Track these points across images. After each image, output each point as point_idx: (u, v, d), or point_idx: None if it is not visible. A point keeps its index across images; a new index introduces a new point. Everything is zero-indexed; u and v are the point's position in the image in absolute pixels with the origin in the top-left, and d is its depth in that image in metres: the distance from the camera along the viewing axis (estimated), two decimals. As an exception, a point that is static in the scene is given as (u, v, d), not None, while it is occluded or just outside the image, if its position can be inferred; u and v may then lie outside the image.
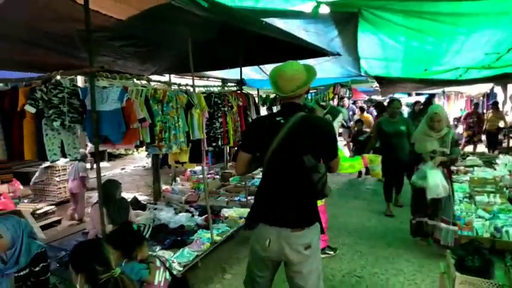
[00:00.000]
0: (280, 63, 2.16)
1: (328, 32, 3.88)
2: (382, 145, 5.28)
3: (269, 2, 3.16)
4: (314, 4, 2.92)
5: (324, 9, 2.99)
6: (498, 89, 12.57)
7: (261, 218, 2.15)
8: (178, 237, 3.94)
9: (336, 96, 10.43)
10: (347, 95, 10.98)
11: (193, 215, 4.76)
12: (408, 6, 2.88)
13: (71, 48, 3.64)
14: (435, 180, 3.59)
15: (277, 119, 2.11)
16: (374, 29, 3.36)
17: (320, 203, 3.61)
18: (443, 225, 3.78)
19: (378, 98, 18.21)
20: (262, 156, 2.13)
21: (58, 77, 2.71)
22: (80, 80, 5.68)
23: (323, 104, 4.88)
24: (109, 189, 3.62)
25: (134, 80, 3.20)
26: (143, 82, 3.36)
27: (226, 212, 4.87)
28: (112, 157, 11.92)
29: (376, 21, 3.16)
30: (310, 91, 11.33)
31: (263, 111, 12.55)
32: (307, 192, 2.09)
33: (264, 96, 12.02)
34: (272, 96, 12.54)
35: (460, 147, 7.91)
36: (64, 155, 2.82)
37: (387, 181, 5.43)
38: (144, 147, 3.31)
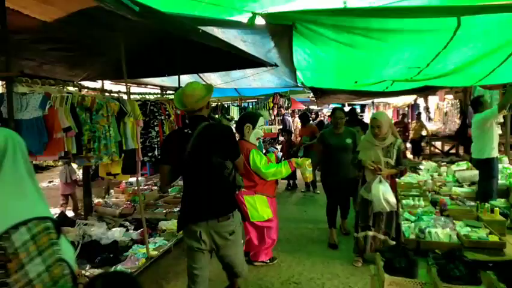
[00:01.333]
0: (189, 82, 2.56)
1: (265, 43, 3.94)
2: (324, 160, 4.58)
3: (207, 11, 3.14)
4: (250, 15, 2.95)
5: (260, 21, 3.04)
6: (421, 100, 13.76)
7: (189, 219, 2.49)
8: (110, 254, 3.71)
9: (276, 106, 10.71)
10: (286, 105, 11.31)
11: (127, 230, 4.51)
12: (340, 22, 3.03)
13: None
14: (380, 195, 3.45)
15: (185, 130, 2.52)
16: (307, 42, 3.48)
17: (268, 214, 3.64)
18: (382, 236, 3.73)
19: (316, 108, 19.03)
20: (180, 164, 2.49)
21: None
22: (-2, 85, 5.18)
23: (228, 117, 4.79)
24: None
25: (61, 86, 2.97)
26: (71, 89, 3.14)
27: (163, 225, 4.68)
28: (39, 169, 10.98)
29: (309, 35, 3.27)
30: (251, 100, 11.54)
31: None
32: (222, 186, 2.54)
33: (204, 105, 11.91)
34: (214, 104, 12.52)
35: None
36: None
37: (330, 204, 4.61)
38: (70, 159, 3.08)
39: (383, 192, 3.43)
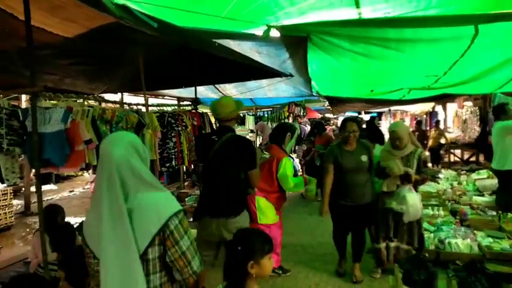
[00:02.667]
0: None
1: (280, 54, 3.98)
2: (334, 182, 3.72)
3: (223, 25, 3.20)
4: (265, 28, 2.99)
5: (275, 33, 3.08)
6: (439, 108, 13.54)
7: (204, 212, 2.89)
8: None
9: (291, 115, 10.74)
10: (301, 114, 11.32)
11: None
12: (355, 32, 3.04)
13: (14, 66, 3.45)
14: (415, 203, 3.36)
15: (212, 137, 2.98)
16: (322, 52, 3.49)
17: (274, 219, 3.65)
18: (405, 246, 3.62)
19: (332, 116, 18.93)
20: (203, 165, 3.03)
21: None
22: (24, 100, 5.37)
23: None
24: (52, 215, 3.40)
25: (81, 100, 3.07)
26: (91, 102, 3.24)
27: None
28: (60, 179, 11.26)
29: (324, 46, 3.28)
30: (267, 109, 11.60)
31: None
32: (234, 190, 2.87)
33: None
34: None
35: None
36: (1, 180, 2.62)
37: (338, 233, 3.95)
38: (91, 170, 3.16)
39: (418, 200, 3.41)
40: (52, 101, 2.74)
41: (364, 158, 3.62)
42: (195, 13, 2.82)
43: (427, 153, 10.96)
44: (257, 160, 3.04)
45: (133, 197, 1.42)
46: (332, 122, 18.77)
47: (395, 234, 3.64)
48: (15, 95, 3.09)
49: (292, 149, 10.85)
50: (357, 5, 2.61)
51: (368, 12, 2.77)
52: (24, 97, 5.39)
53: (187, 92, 6.89)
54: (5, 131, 2.48)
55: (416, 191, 3.56)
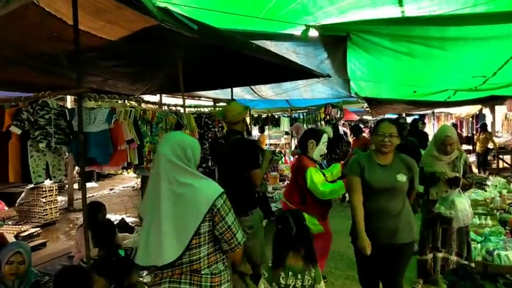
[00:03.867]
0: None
1: (318, 54, 3.92)
2: (366, 204, 2.69)
3: (260, 25, 3.20)
4: (304, 28, 2.95)
5: (314, 33, 3.03)
6: (486, 110, 12.81)
7: None
8: (165, 261, 3.84)
9: (328, 117, 10.55)
10: (338, 115, 11.10)
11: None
12: (397, 31, 2.93)
13: (60, 68, 3.62)
14: (465, 208, 3.22)
15: (220, 140, 3.28)
16: (362, 52, 3.40)
17: (318, 229, 3.46)
18: (455, 258, 3.41)
19: (370, 118, 18.46)
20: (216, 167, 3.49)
21: (46, 98, 2.68)
22: (69, 100, 5.65)
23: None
24: (94, 212, 3.53)
25: (123, 101, 3.17)
26: (133, 103, 3.34)
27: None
28: (101, 177, 11.76)
29: (365, 45, 3.19)
30: (302, 111, 11.48)
31: (255, 131, 12.68)
32: (240, 189, 2.96)
33: (255, 116, 12.11)
34: (264, 116, 12.65)
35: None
36: (49, 177, 2.76)
37: (364, 280, 2.93)
38: (132, 169, 3.26)
39: (468, 204, 3.24)
40: (97, 102, 2.85)
41: (402, 177, 2.61)
42: (234, 14, 2.84)
43: (473, 158, 10.41)
44: (264, 161, 3.24)
45: (181, 184, 1.76)
46: (370, 124, 18.30)
47: (442, 244, 3.43)
48: (62, 95, 3.25)
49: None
50: (401, 3, 2.51)
51: (411, 10, 2.66)
52: (69, 98, 5.67)
53: (223, 93, 6.97)
54: (54, 130, 2.62)
55: None
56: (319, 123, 10.68)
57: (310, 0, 2.61)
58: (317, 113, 10.64)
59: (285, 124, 12.57)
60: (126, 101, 3.27)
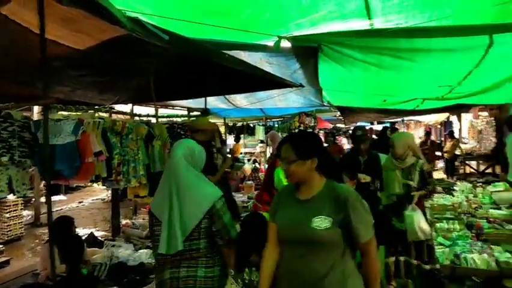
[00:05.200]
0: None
1: (290, 64, 3.96)
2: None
3: (234, 36, 3.20)
4: (276, 39, 2.98)
5: (286, 44, 3.06)
6: (454, 118, 13.33)
7: None
8: (136, 276, 3.72)
9: (302, 125, 10.68)
10: (312, 124, 11.25)
11: (154, 251, 4.54)
12: (366, 43, 3.01)
13: (26, 78, 3.49)
14: (414, 225, 3.30)
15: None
16: (333, 62, 3.47)
17: None
18: (415, 261, 3.48)
19: (343, 126, 18.81)
20: None
21: (9, 110, 2.56)
22: (36, 111, 5.44)
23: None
24: (61, 227, 3.39)
25: (92, 112, 3.08)
26: (102, 114, 3.25)
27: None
28: (70, 189, 11.35)
29: (335, 56, 3.26)
30: (277, 120, 11.57)
31: (230, 140, 12.63)
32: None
33: (230, 124, 12.09)
34: (239, 124, 12.65)
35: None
36: (12, 192, 2.63)
37: None
38: (100, 182, 3.16)
39: (417, 222, 3.28)
40: (64, 113, 2.75)
41: (322, 222, 1.71)
42: (207, 25, 2.83)
43: (441, 164, 10.78)
44: (222, 167, 3.55)
45: (188, 184, 2.13)
46: (342, 132, 18.66)
47: (403, 249, 3.53)
48: (27, 106, 3.12)
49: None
50: (369, 16, 2.58)
51: (379, 23, 2.73)
52: (36, 109, 5.46)
53: (197, 102, 6.92)
54: (17, 142, 2.50)
55: (423, 207, 3.54)
56: (293, 132, 10.78)
57: (282, 12, 2.64)
58: (292, 122, 10.77)
59: (260, 133, 12.63)
60: (95, 112, 3.16)
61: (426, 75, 3.93)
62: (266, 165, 10.72)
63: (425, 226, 3.34)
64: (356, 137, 4.21)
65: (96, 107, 4.08)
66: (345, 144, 16.11)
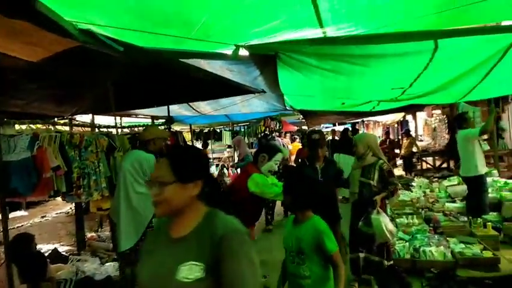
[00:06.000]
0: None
1: (250, 71, 4.03)
2: None
3: (192, 45, 3.22)
4: (234, 47, 3.04)
5: (244, 52, 3.12)
6: (409, 117, 13.97)
7: None
8: (103, 291, 3.64)
9: (268, 129, 10.81)
10: (278, 127, 11.42)
11: (121, 264, 4.43)
12: (321, 50, 3.13)
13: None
14: (383, 227, 3.37)
15: None
16: (291, 69, 3.57)
17: None
18: (376, 258, 3.60)
19: (307, 128, 19.16)
20: None
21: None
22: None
23: None
24: (20, 245, 3.25)
25: (48, 125, 3.00)
26: (59, 127, 3.17)
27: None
28: (32, 204, 10.78)
29: (293, 63, 3.36)
30: (243, 124, 11.64)
31: (198, 145, 12.56)
32: None
33: (197, 131, 12.03)
34: (206, 130, 12.61)
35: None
36: (-37, 212, 2.50)
37: None
38: (60, 197, 3.07)
39: (384, 224, 3.37)
40: (21, 127, 2.67)
41: (189, 271, 1.22)
42: (164, 35, 2.84)
43: (400, 161, 11.26)
44: None
45: (136, 192, 2.47)
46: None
47: (363, 246, 3.66)
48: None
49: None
50: (321, 25, 2.70)
51: (332, 31, 2.86)
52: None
53: (160, 111, 6.84)
54: (-33, 160, 2.39)
55: (385, 207, 3.68)
56: (259, 136, 10.91)
57: (238, 21, 2.70)
58: (257, 126, 10.89)
59: (227, 138, 12.65)
60: (51, 126, 3.08)
61: (380, 78, 4.13)
62: (234, 170, 10.76)
63: (391, 227, 3.46)
64: (312, 142, 3.76)
65: (54, 119, 3.96)
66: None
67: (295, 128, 16.77)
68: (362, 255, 3.68)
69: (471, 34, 2.85)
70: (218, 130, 12.73)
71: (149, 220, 2.46)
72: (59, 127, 3.21)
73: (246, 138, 11.48)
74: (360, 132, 11.66)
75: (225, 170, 11.14)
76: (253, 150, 10.79)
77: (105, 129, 3.61)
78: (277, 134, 11.38)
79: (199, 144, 12.54)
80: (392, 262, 3.58)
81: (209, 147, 12.76)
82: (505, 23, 3.33)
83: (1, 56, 2.67)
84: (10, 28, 2.34)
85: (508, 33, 2.90)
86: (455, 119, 5.70)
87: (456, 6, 2.52)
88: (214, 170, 11.04)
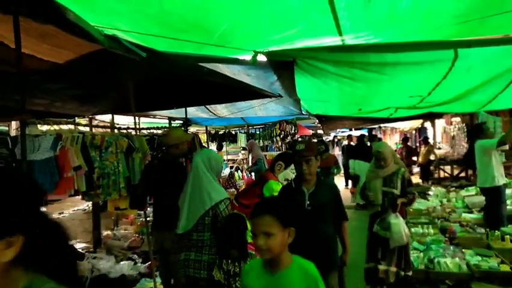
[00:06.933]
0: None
1: (268, 76, 4.06)
2: None
3: (212, 51, 3.28)
4: (252, 53, 3.08)
5: (262, 58, 3.16)
6: (428, 124, 13.75)
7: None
8: (118, 289, 3.72)
9: (283, 132, 10.83)
10: (293, 131, 11.42)
11: (135, 263, 4.52)
12: (339, 57, 3.14)
13: (5, 92, 3.46)
14: (399, 230, 3.39)
15: (155, 162, 3.49)
16: (309, 75, 3.58)
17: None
18: (394, 269, 3.57)
19: (322, 132, 19.05)
20: None
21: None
22: (14, 126, 5.36)
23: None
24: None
25: (71, 126, 3.09)
26: (81, 128, 3.26)
27: (171, 257, 4.70)
28: (50, 200, 11.04)
29: (310, 69, 3.37)
30: (258, 127, 11.68)
31: (213, 147, 12.65)
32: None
33: (213, 132, 12.13)
34: (221, 132, 12.69)
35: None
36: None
37: None
38: (80, 196, 3.16)
39: (403, 228, 3.38)
40: (43, 127, 2.76)
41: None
42: (185, 41, 2.90)
43: (417, 169, 11.09)
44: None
45: (201, 185, 2.78)
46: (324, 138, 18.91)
47: (382, 257, 3.62)
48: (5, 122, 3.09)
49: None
50: (340, 33, 2.71)
51: (350, 39, 2.87)
52: (14, 124, 5.39)
53: (178, 112, 6.94)
54: (-6, 158, 2.49)
55: (404, 213, 3.61)
56: (274, 139, 10.92)
57: (258, 28, 2.73)
58: (273, 129, 10.90)
59: (242, 140, 12.70)
60: (74, 126, 3.17)
61: (397, 86, 4.10)
62: (248, 173, 10.79)
63: (407, 231, 3.48)
64: (297, 154, 2.81)
65: (75, 119, 4.07)
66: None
67: (311, 131, 16.70)
68: (381, 267, 3.60)
69: (492, 44, 2.82)
70: (233, 132, 12.80)
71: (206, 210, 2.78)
72: (81, 128, 3.30)
73: (260, 141, 11.51)
74: (379, 138, 11.51)
75: (239, 173, 11.19)
76: (267, 153, 10.83)
77: (125, 131, 3.69)
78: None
79: (213, 146, 12.64)
80: (411, 273, 3.52)
81: (224, 149, 12.85)
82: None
83: (30, 58, 2.79)
84: (39, 31, 2.44)
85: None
86: (473, 129, 5.62)
87: (475, 18, 2.49)
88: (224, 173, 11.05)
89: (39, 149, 2.58)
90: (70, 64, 3.00)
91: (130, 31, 2.61)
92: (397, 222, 3.39)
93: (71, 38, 2.46)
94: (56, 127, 2.88)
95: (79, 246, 5.82)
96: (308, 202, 2.66)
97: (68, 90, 3.89)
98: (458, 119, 10.69)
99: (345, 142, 11.19)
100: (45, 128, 2.94)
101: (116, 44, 2.24)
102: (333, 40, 2.89)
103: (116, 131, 3.63)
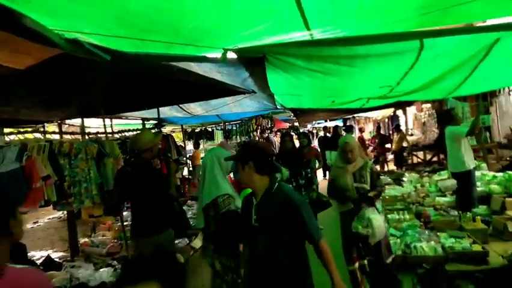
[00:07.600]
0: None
1: (240, 73, 4.04)
2: None
3: (181, 50, 3.22)
4: (222, 51, 3.05)
5: (232, 55, 3.14)
6: (399, 112, 14.10)
7: None
8: (98, 297, 3.64)
9: (260, 127, 10.84)
10: (269, 125, 11.44)
11: (115, 269, 4.43)
12: (309, 52, 3.15)
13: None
14: (380, 224, 3.36)
15: (126, 168, 3.43)
16: (280, 71, 3.59)
17: None
18: (365, 261, 3.64)
19: (298, 125, 19.21)
20: None
21: None
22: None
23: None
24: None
25: (37, 135, 2.98)
26: (49, 136, 3.15)
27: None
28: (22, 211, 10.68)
29: (281, 65, 3.37)
30: (235, 123, 11.65)
31: (189, 146, 12.52)
32: (160, 208, 3.55)
33: (189, 130, 12.01)
34: (197, 130, 12.58)
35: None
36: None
37: None
38: (52, 206, 3.06)
39: (381, 221, 3.39)
40: (4, 140, 2.65)
41: None
42: (151, 41, 2.83)
43: (391, 156, 11.37)
44: (172, 172, 4.28)
45: (209, 179, 3.25)
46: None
47: (366, 252, 3.63)
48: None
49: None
50: (308, 28, 2.72)
51: (318, 33, 2.88)
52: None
53: (150, 113, 6.82)
54: (-45, 172, 2.37)
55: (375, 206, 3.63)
56: (252, 134, 10.92)
57: (226, 26, 2.71)
58: (249, 124, 10.90)
59: (219, 137, 12.64)
60: (42, 135, 3.06)
61: (367, 77, 4.17)
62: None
63: (384, 224, 3.51)
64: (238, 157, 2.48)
65: (44, 124, 3.93)
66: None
67: (288, 125, 16.81)
68: (365, 261, 3.61)
69: (456, 34, 2.90)
70: (210, 129, 12.72)
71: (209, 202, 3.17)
72: (48, 136, 3.18)
73: (237, 136, 11.50)
74: (345, 132, 11.54)
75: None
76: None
77: (94, 136, 3.58)
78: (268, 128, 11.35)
79: (190, 144, 12.52)
80: (389, 260, 3.53)
81: (201, 147, 12.76)
82: (489, 21, 3.39)
83: (-13, 66, 2.66)
84: (-5, 38, 2.33)
85: (491, 32, 2.96)
86: (442, 116, 5.79)
87: (436, 9, 2.56)
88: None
89: (3, 161, 2.47)
90: (31, 69, 2.89)
91: (94, 33, 2.52)
92: (376, 216, 3.38)
93: (31, 43, 2.37)
94: (21, 136, 2.76)
95: (56, 255, 5.65)
96: (255, 217, 2.14)
97: (33, 96, 3.75)
98: (428, 105, 11.00)
99: (321, 133, 11.32)
100: (12, 137, 2.81)
101: (77, 48, 2.17)
102: (302, 34, 2.90)
103: (86, 136, 3.52)
